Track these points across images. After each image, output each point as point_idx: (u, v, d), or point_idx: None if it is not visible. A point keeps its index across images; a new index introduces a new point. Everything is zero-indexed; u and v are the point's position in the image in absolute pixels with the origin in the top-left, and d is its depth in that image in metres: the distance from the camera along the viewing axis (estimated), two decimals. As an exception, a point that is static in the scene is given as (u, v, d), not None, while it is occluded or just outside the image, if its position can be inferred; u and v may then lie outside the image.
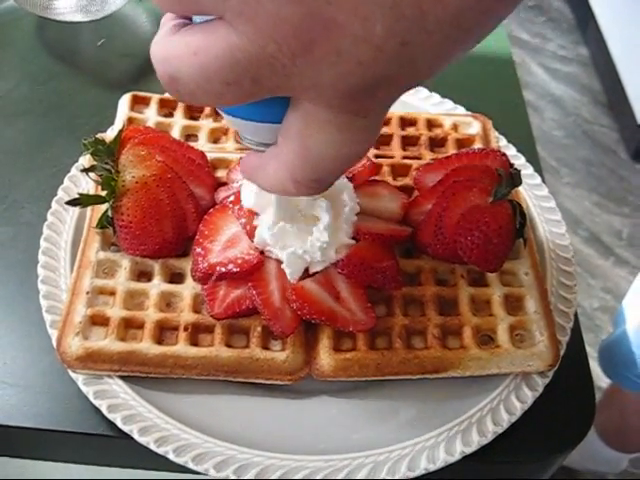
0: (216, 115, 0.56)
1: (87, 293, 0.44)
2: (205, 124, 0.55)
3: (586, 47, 2.23)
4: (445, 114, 0.58)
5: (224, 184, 0.49)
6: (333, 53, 0.24)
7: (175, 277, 0.46)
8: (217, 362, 0.42)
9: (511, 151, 0.57)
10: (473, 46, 0.26)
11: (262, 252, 0.43)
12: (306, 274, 0.43)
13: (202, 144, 0.53)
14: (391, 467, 0.40)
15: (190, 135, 0.55)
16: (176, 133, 0.54)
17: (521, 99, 0.70)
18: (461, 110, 0.60)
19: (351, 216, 0.44)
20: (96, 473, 0.50)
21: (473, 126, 0.56)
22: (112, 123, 0.54)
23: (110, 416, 0.41)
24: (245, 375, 0.43)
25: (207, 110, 0.55)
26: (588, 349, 0.49)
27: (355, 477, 0.40)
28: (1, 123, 0.63)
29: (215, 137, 0.55)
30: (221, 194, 0.48)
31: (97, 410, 0.41)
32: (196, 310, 0.44)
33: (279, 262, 0.43)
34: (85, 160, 0.50)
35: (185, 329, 0.43)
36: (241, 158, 0.35)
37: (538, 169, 0.58)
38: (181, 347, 0.42)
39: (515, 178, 0.45)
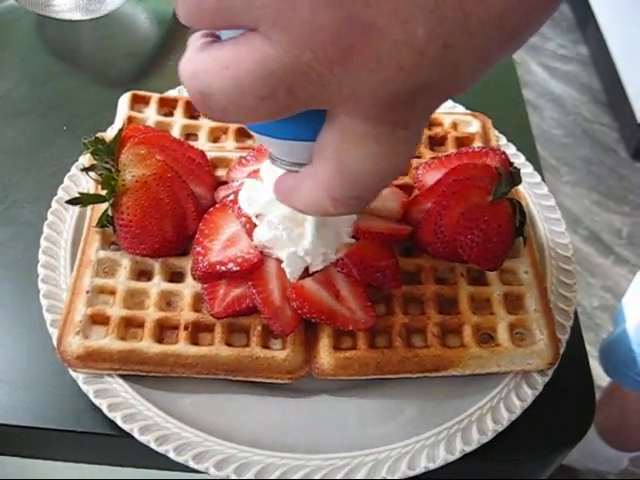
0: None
1: (87, 292, 0.44)
2: (205, 123, 0.55)
3: (586, 46, 2.23)
4: (445, 113, 0.58)
5: (224, 183, 0.49)
6: (373, 59, 0.24)
7: (175, 276, 0.46)
8: (217, 361, 0.42)
9: (511, 150, 0.57)
10: (515, 50, 0.26)
11: (262, 251, 0.43)
12: (306, 273, 0.43)
13: (202, 143, 0.53)
14: (391, 466, 0.40)
15: (190, 134, 0.55)
16: (176, 132, 0.54)
17: (521, 98, 0.70)
18: (461, 109, 0.60)
19: (352, 216, 0.44)
20: (96, 472, 0.50)
21: (473, 125, 0.56)
22: (112, 122, 0.54)
23: (110, 415, 0.41)
24: (245, 374, 0.43)
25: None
26: (588, 348, 0.49)
27: (355, 476, 0.40)
28: (1, 123, 0.63)
29: (215, 136, 0.55)
30: (221, 193, 0.48)
31: (97, 409, 0.42)
32: (196, 309, 0.44)
33: (279, 261, 0.43)
34: (85, 159, 0.50)
35: (185, 328, 0.43)
36: (275, 181, 0.34)
37: (538, 168, 0.58)
38: (181, 346, 0.42)
39: (515, 177, 0.45)
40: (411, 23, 0.23)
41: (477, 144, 0.54)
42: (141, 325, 0.43)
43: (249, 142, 0.54)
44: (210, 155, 0.51)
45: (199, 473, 0.40)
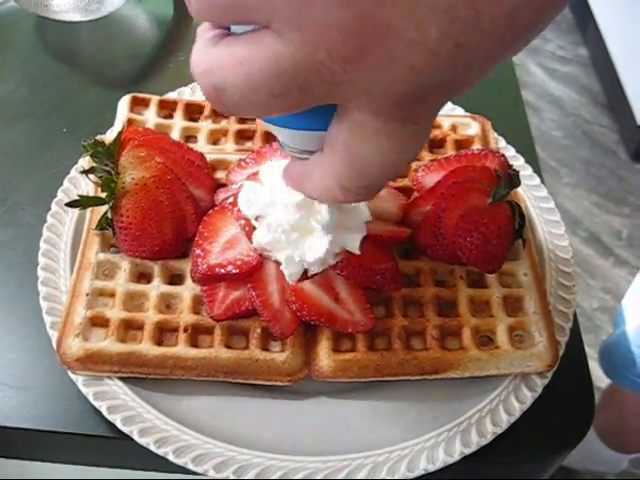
0: (215, 117, 0.56)
1: (87, 294, 0.44)
2: (204, 125, 0.55)
3: (585, 47, 2.23)
4: (444, 115, 0.58)
5: (223, 185, 0.49)
6: (386, 58, 0.24)
7: (175, 278, 0.46)
8: (217, 363, 0.42)
9: (510, 152, 0.57)
10: (523, 47, 0.26)
11: (261, 254, 0.43)
12: (305, 275, 0.43)
13: (201, 145, 0.53)
14: (390, 468, 0.41)
15: (189, 136, 0.55)
16: (176, 135, 0.54)
17: (520, 100, 0.70)
18: (460, 111, 0.60)
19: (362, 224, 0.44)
20: (96, 474, 0.50)
21: (472, 127, 0.56)
22: (112, 124, 0.55)
23: (110, 417, 0.41)
24: (245, 376, 0.43)
25: (206, 111, 0.55)
26: (588, 349, 0.49)
27: (354, 477, 0.40)
28: (1, 125, 0.63)
29: (214, 139, 0.55)
30: (220, 195, 0.48)
31: (97, 411, 0.42)
32: (196, 311, 0.44)
33: (278, 264, 0.43)
34: (85, 162, 0.50)
35: (185, 330, 0.43)
36: (284, 167, 0.34)
37: (537, 170, 0.58)
38: (181, 348, 0.42)
39: (514, 179, 0.46)
40: (424, 23, 0.23)
41: (476, 146, 0.54)
42: (141, 327, 0.43)
43: (248, 144, 0.54)
44: (209, 157, 0.51)
45: (199, 475, 0.40)
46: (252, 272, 0.42)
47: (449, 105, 0.60)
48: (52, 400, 0.44)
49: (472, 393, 0.44)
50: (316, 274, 0.43)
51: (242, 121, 0.55)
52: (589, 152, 1.91)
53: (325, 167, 0.30)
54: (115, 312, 0.43)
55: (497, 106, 0.64)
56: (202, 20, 0.27)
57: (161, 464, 0.40)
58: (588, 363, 0.49)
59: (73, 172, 0.53)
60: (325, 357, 0.43)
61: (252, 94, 0.26)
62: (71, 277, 0.46)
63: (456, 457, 0.41)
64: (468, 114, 0.59)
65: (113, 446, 0.44)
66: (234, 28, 0.27)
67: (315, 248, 0.41)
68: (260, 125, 0.54)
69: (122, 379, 0.43)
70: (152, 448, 0.40)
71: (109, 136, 0.52)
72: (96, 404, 0.41)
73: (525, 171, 0.56)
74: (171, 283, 0.46)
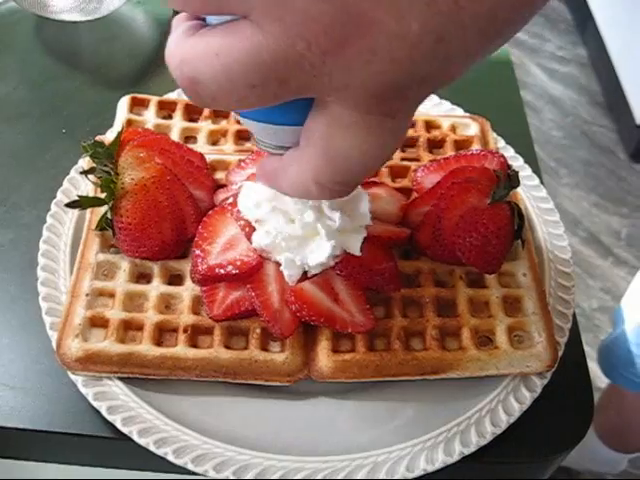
0: (215, 117, 0.56)
1: (86, 295, 0.44)
2: (204, 126, 0.55)
3: (584, 47, 2.23)
4: (443, 115, 0.58)
5: (223, 186, 0.49)
6: (366, 51, 0.24)
7: (174, 279, 0.46)
8: (216, 363, 0.42)
9: (509, 152, 0.57)
10: (504, 42, 0.26)
11: (261, 254, 0.43)
12: (305, 276, 0.43)
13: (201, 146, 0.53)
14: (390, 468, 0.41)
15: (189, 137, 0.55)
16: (175, 135, 0.54)
17: (519, 100, 0.70)
18: (459, 111, 0.60)
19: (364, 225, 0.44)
20: (96, 474, 0.50)
21: (471, 127, 0.56)
22: (111, 125, 0.55)
23: (110, 418, 0.41)
24: (244, 376, 0.43)
25: (206, 112, 0.56)
26: (587, 350, 0.49)
27: (354, 478, 0.40)
28: (0, 126, 0.63)
29: (214, 139, 0.55)
30: (220, 196, 0.48)
31: (97, 412, 0.42)
32: (195, 312, 0.44)
33: (278, 264, 0.43)
34: (84, 162, 0.50)
35: (184, 331, 0.43)
36: (259, 163, 0.34)
37: (536, 170, 0.58)
38: (180, 349, 0.42)
39: (513, 179, 0.46)
40: (406, 16, 0.23)
41: (476, 147, 0.54)
42: (140, 328, 0.43)
43: (248, 145, 0.54)
44: (209, 158, 0.51)
45: (198, 475, 0.40)
46: (252, 273, 0.42)
47: (448, 105, 0.60)
48: (52, 400, 0.44)
49: (471, 393, 0.44)
50: (316, 274, 0.43)
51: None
52: (588, 152, 1.91)
53: (301, 162, 0.29)
54: (115, 312, 0.44)
55: (496, 106, 0.64)
56: (180, 10, 0.27)
57: (161, 464, 0.40)
58: (587, 363, 0.49)
59: (73, 173, 0.53)
60: (325, 357, 0.43)
61: (229, 85, 0.25)
62: (71, 277, 0.46)
63: (455, 457, 0.41)
64: (467, 114, 0.59)
65: (113, 446, 0.44)
66: (210, 19, 0.26)
67: (318, 253, 0.41)
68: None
69: (122, 379, 0.43)
70: (152, 448, 0.40)
71: (109, 137, 0.52)
72: (96, 404, 0.42)
73: (524, 171, 0.56)
74: (171, 283, 0.46)
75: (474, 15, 0.23)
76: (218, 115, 0.56)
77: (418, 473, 0.40)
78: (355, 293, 0.43)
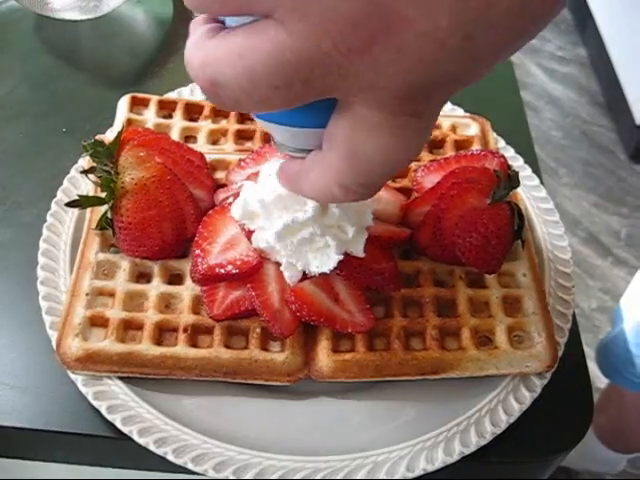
0: (215, 117, 0.56)
1: (86, 294, 0.44)
2: (204, 125, 0.55)
3: (584, 48, 2.23)
4: (444, 115, 0.58)
5: (223, 185, 0.49)
6: (393, 50, 0.23)
7: (174, 278, 0.46)
8: (216, 363, 0.42)
9: (509, 152, 0.57)
10: (529, 40, 0.25)
11: (261, 254, 0.43)
12: (305, 276, 0.43)
13: (201, 145, 0.53)
14: (390, 468, 0.41)
15: (189, 136, 0.55)
16: (175, 134, 0.54)
17: (519, 100, 0.70)
18: (459, 111, 0.60)
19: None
20: (96, 474, 0.50)
21: (472, 127, 0.56)
22: (111, 124, 0.55)
23: (110, 417, 0.41)
24: (244, 376, 0.43)
25: (206, 111, 0.55)
26: (587, 350, 0.49)
27: (354, 477, 0.40)
28: (1, 125, 0.63)
29: (214, 138, 0.55)
30: (220, 195, 0.48)
31: (97, 411, 0.42)
32: (195, 311, 0.44)
33: (278, 264, 0.43)
34: (85, 161, 0.50)
35: (184, 330, 0.43)
36: (279, 166, 0.34)
37: (536, 170, 0.58)
38: (180, 348, 0.42)
39: (513, 180, 0.46)
40: (435, 13, 0.22)
41: (476, 147, 0.54)
42: (140, 327, 0.43)
43: (248, 144, 0.54)
44: (209, 157, 0.51)
45: (198, 475, 0.40)
46: (252, 272, 0.42)
47: (449, 106, 0.60)
48: (52, 400, 0.44)
49: (471, 393, 0.44)
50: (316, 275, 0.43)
51: (241, 121, 0.55)
52: (588, 152, 1.91)
53: (324, 165, 0.29)
54: (115, 312, 0.44)
55: (496, 106, 0.64)
56: (200, 11, 0.26)
57: (161, 464, 0.40)
58: (587, 363, 0.49)
59: (73, 172, 0.53)
60: (324, 357, 0.43)
61: (252, 88, 0.25)
62: (71, 277, 0.46)
63: (455, 457, 0.41)
64: (468, 114, 0.59)
65: (113, 446, 0.44)
66: (229, 21, 0.26)
67: (323, 262, 0.41)
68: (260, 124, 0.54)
69: (122, 379, 0.43)
70: (152, 448, 0.40)
71: (109, 136, 0.52)
72: (96, 404, 0.42)
73: (524, 172, 0.56)
74: (171, 283, 0.46)
75: (504, 11, 0.23)
76: (218, 114, 0.56)
77: (418, 473, 0.40)
78: (355, 293, 0.43)
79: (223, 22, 0.27)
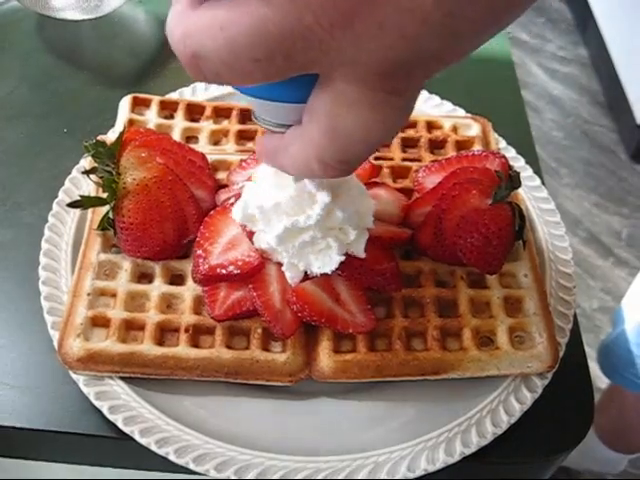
0: (216, 117, 0.56)
1: (88, 295, 0.44)
2: (206, 126, 0.55)
3: (585, 48, 2.23)
4: (445, 116, 0.58)
5: (225, 186, 0.49)
6: (375, 25, 0.23)
7: (176, 279, 0.46)
8: (218, 363, 0.42)
9: (510, 153, 0.57)
10: (512, 21, 0.25)
11: (262, 255, 0.43)
12: (306, 276, 0.43)
13: (202, 146, 0.53)
14: (391, 468, 0.41)
15: (191, 137, 0.55)
16: (177, 135, 0.54)
17: (520, 100, 0.70)
18: (461, 112, 0.60)
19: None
20: (96, 474, 0.50)
21: (473, 128, 0.56)
22: (113, 124, 0.55)
23: (111, 417, 0.41)
24: (245, 376, 0.43)
25: (208, 112, 0.56)
26: (587, 350, 0.49)
27: (355, 478, 0.40)
28: (2, 125, 0.63)
29: (216, 139, 0.55)
30: (222, 196, 0.48)
31: (98, 411, 0.42)
32: (197, 312, 0.44)
33: (279, 264, 0.43)
34: (86, 162, 0.50)
35: (186, 330, 0.43)
36: (257, 140, 0.33)
37: (537, 170, 0.58)
38: (182, 348, 0.43)
39: (514, 180, 0.46)
40: None
41: (477, 147, 0.54)
42: (142, 328, 0.44)
43: (249, 145, 0.54)
44: (211, 158, 0.51)
45: (200, 475, 0.40)
46: (253, 273, 0.42)
47: (450, 106, 0.60)
48: (53, 400, 0.44)
49: (472, 394, 0.44)
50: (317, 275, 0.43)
51: (243, 122, 0.55)
52: (589, 152, 1.91)
53: (304, 140, 0.29)
54: (116, 312, 0.44)
55: (498, 107, 0.64)
56: None
57: (162, 464, 0.40)
58: (588, 364, 0.49)
59: (74, 172, 0.53)
60: (326, 358, 0.43)
61: (233, 60, 0.25)
62: (72, 277, 0.46)
63: (456, 457, 0.41)
64: (469, 115, 0.59)
65: (114, 446, 0.44)
66: None
67: (325, 263, 0.41)
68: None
69: (123, 379, 0.43)
70: (153, 448, 0.40)
71: (110, 136, 0.52)
72: (97, 404, 0.42)
73: (525, 172, 0.56)
74: (172, 283, 0.46)
75: None
76: (220, 115, 0.56)
77: (419, 473, 0.40)
78: (356, 293, 0.43)
79: None
